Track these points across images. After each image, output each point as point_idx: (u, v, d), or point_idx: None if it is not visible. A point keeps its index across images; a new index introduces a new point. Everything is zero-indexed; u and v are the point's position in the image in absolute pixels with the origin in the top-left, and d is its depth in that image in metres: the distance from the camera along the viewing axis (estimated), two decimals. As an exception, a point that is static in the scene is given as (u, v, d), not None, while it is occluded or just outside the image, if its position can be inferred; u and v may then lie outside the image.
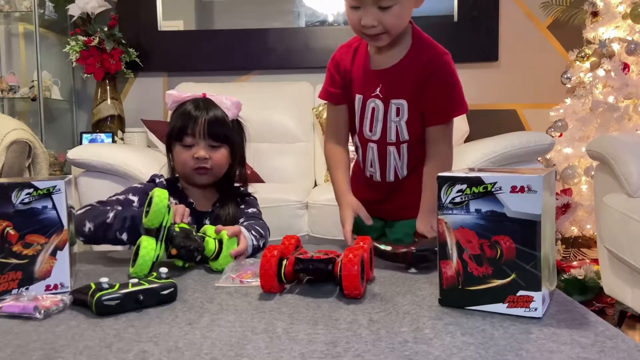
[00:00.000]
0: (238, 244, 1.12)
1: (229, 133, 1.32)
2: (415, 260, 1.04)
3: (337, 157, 1.34)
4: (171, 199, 1.23)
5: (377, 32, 1.14)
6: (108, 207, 1.21)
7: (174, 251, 1.05)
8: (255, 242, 1.21)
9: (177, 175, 1.37)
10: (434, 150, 1.24)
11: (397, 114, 1.22)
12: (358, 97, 1.27)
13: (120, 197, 1.27)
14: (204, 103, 1.31)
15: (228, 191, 1.37)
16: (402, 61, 1.22)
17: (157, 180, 1.35)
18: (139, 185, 1.34)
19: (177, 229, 1.06)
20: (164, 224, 1.05)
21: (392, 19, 1.13)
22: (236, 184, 1.40)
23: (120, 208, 1.21)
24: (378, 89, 1.23)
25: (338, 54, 1.32)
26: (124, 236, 1.14)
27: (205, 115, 1.28)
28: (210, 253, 1.08)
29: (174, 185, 1.36)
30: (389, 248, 1.05)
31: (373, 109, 1.25)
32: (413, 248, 1.04)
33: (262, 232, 1.27)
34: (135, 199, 1.28)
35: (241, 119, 1.40)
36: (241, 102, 1.37)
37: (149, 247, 1.02)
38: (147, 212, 1.04)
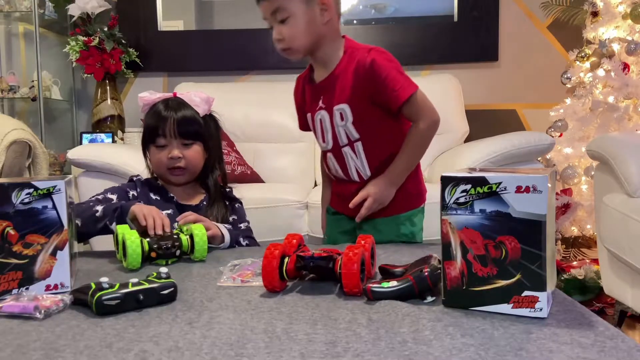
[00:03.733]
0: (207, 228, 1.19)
1: (200, 130, 1.36)
2: (435, 282, 0.83)
3: (325, 172, 1.47)
4: (152, 195, 1.36)
5: (284, 47, 1.28)
6: (91, 204, 1.27)
7: (153, 254, 1.11)
8: (232, 232, 1.29)
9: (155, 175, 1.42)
10: (413, 126, 1.29)
11: (342, 119, 1.29)
12: (308, 116, 1.38)
13: (100, 196, 1.32)
14: (174, 103, 1.35)
15: (214, 189, 1.41)
16: (335, 70, 1.30)
17: (135, 179, 1.39)
18: (117, 185, 1.38)
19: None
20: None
21: (288, 30, 1.25)
22: (220, 185, 1.44)
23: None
24: (320, 101, 1.32)
25: (294, 89, 1.45)
26: (114, 226, 1.21)
27: (175, 114, 1.32)
28: (185, 248, 1.14)
29: (154, 183, 1.40)
30: (394, 283, 0.84)
31: (320, 121, 1.34)
32: (426, 270, 0.84)
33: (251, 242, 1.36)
34: (114, 197, 1.32)
35: (215, 114, 1.43)
36: (213, 98, 1.42)
37: (133, 237, 1.07)
38: (124, 254, 1.08)
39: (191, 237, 1.14)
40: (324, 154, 1.40)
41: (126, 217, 1.21)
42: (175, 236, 1.14)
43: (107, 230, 1.22)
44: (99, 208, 1.23)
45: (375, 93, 1.25)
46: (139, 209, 1.19)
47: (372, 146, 1.29)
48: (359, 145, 1.30)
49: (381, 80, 1.23)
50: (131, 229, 1.13)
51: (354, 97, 1.26)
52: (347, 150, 1.32)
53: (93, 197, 1.32)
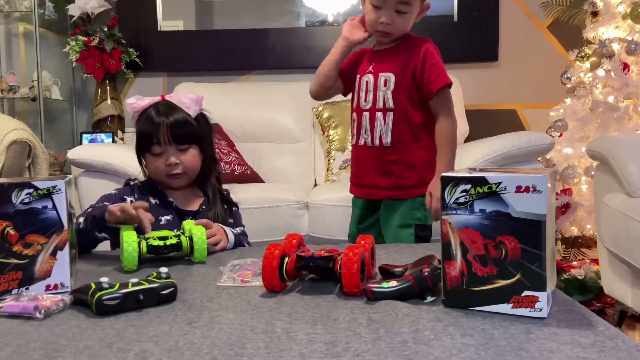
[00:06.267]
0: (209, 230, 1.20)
1: (194, 132, 1.34)
2: (435, 282, 0.84)
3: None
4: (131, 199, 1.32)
5: (388, 31, 1.46)
6: (80, 219, 1.23)
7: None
8: (238, 236, 1.30)
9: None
10: (437, 122, 1.48)
11: (385, 84, 1.48)
12: (358, 77, 1.55)
13: (95, 208, 1.28)
14: (164, 107, 1.32)
15: (213, 192, 1.39)
16: (395, 46, 1.52)
17: (132, 183, 1.37)
18: (113, 192, 1.35)
19: (151, 242, 1.11)
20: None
21: (402, 21, 1.45)
22: (217, 186, 1.42)
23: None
24: (371, 67, 1.52)
25: (350, 55, 1.62)
26: (104, 234, 1.20)
27: (167, 120, 1.30)
28: (185, 250, 1.14)
29: (152, 186, 1.37)
30: (394, 283, 0.84)
31: (367, 82, 1.52)
32: (426, 270, 0.84)
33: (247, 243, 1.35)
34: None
35: (206, 112, 1.41)
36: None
37: (130, 240, 1.07)
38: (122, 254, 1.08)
39: (190, 239, 1.14)
40: (360, 116, 1.53)
41: (107, 222, 1.16)
42: (170, 247, 1.13)
43: (100, 239, 1.21)
44: (81, 220, 1.20)
45: (420, 73, 1.45)
46: (113, 208, 1.15)
47: (400, 120, 1.47)
48: (390, 116, 1.48)
49: (429, 64, 1.45)
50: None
51: (401, 70, 1.47)
52: (379, 115, 1.49)
53: (88, 208, 1.29)
